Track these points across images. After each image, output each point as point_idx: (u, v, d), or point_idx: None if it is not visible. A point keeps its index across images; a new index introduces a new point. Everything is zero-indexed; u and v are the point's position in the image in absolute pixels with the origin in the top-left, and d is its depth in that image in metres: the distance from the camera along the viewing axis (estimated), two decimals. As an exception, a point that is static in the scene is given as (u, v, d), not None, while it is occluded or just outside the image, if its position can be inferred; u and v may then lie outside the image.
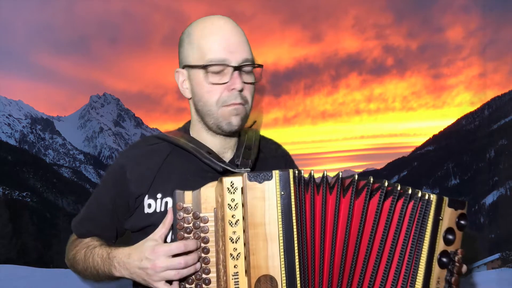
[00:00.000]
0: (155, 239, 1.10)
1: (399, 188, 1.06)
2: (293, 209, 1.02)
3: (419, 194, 1.06)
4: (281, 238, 1.01)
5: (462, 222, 1.08)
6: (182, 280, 1.09)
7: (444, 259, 1.06)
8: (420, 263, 1.05)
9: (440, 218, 1.05)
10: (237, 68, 1.19)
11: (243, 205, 1.02)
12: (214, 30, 1.20)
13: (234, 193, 1.03)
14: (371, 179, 1.06)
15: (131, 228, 1.29)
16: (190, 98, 1.30)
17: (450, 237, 1.06)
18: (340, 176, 1.07)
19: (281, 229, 1.01)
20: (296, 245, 1.01)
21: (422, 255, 1.05)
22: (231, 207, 1.03)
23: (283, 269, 1.00)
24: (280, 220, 1.01)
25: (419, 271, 1.04)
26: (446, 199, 1.06)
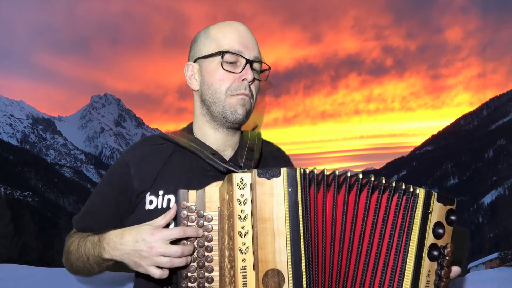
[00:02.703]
0: (152, 225, 1.10)
1: (390, 183, 1.09)
2: (300, 205, 1.04)
3: (411, 189, 1.09)
4: (288, 233, 1.03)
5: (452, 217, 1.11)
6: (181, 268, 1.09)
7: (434, 252, 1.08)
8: (409, 255, 1.07)
9: (429, 211, 1.08)
10: (250, 62, 1.27)
11: (252, 201, 1.04)
12: (231, 28, 1.29)
13: (243, 188, 1.05)
14: (360, 175, 1.09)
15: (132, 224, 1.28)
16: (196, 90, 1.33)
17: (440, 231, 1.09)
18: (337, 173, 1.09)
19: (288, 224, 1.03)
20: (302, 240, 1.03)
21: (411, 247, 1.07)
22: (241, 202, 1.04)
23: (290, 263, 1.02)
24: (287, 215, 1.03)
25: (408, 262, 1.07)
26: (434, 194, 1.09)
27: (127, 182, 1.26)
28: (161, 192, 1.25)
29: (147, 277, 1.14)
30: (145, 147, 1.32)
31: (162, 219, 1.11)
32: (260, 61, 1.30)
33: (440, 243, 1.09)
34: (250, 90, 1.28)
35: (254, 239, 1.03)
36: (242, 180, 1.05)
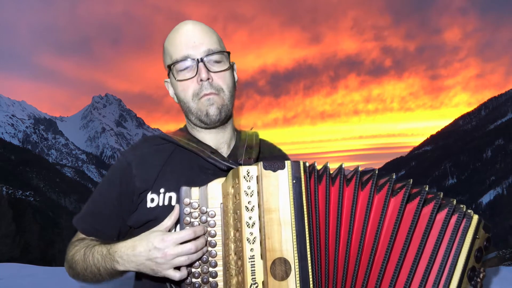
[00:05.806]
0: (161, 230, 1.12)
1: (437, 195, 1.10)
2: (304, 196, 1.09)
3: (464, 209, 1.11)
4: (293, 223, 1.07)
5: (487, 244, 1.15)
6: (190, 265, 1.12)
7: (471, 274, 1.11)
8: (455, 274, 1.09)
9: (477, 237, 1.11)
10: (200, 60, 1.25)
11: (258, 192, 1.08)
12: (177, 34, 1.29)
13: (250, 181, 1.09)
14: (394, 175, 1.12)
15: (134, 224, 1.30)
16: (178, 103, 1.36)
17: (479, 255, 1.12)
18: (359, 170, 1.13)
19: (293, 214, 1.07)
20: (307, 230, 1.07)
21: (457, 266, 1.09)
22: (247, 194, 1.09)
23: (296, 252, 1.06)
24: (292, 206, 1.07)
25: (452, 281, 1.09)
26: (483, 221, 1.13)
27: (130, 182, 1.27)
28: (162, 190, 1.26)
29: (152, 277, 1.15)
30: (145, 147, 1.33)
31: (168, 221, 1.13)
32: (212, 53, 1.27)
33: (477, 266, 1.13)
34: (214, 86, 1.27)
35: (261, 229, 1.07)
36: (249, 172, 1.09)
